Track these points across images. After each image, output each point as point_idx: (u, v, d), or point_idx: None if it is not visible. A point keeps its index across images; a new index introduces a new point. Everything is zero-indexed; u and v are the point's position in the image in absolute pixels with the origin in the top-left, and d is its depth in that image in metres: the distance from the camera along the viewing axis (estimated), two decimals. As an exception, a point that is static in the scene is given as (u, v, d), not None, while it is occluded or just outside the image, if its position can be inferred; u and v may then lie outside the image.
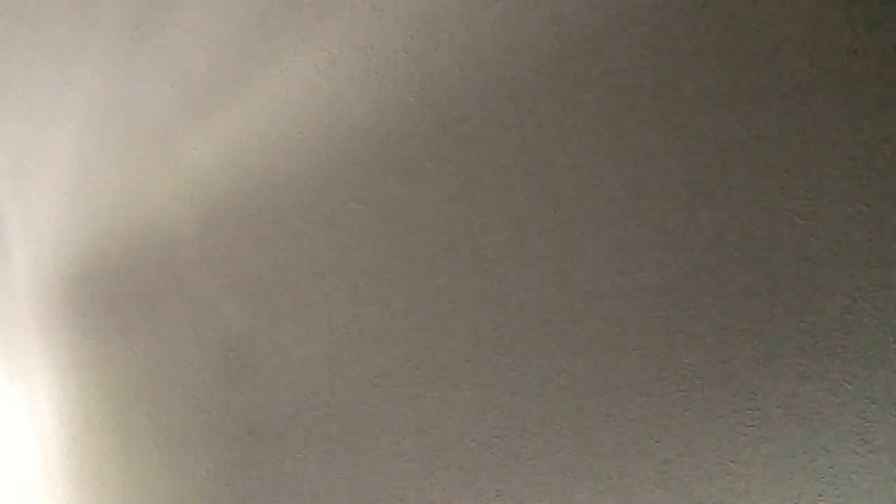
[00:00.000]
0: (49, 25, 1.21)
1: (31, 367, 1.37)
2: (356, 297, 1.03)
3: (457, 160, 0.94)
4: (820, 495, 0.81)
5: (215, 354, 1.14)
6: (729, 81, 0.80)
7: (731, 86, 0.80)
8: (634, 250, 0.86)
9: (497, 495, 0.98)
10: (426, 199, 0.96)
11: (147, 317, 1.21)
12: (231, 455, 1.17)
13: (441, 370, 0.99)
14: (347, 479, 1.10)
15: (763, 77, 0.79)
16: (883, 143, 0.75)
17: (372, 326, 1.03)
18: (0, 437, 1.37)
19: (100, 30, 1.17)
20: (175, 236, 1.16)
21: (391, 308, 1.01)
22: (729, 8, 0.79)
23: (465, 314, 0.96)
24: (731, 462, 0.84)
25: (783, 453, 0.82)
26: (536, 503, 0.96)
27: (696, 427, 0.85)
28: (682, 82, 0.82)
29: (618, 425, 0.89)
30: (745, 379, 0.83)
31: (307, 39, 1.01)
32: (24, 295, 1.34)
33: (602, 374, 0.89)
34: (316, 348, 1.08)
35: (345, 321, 1.05)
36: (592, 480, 0.92)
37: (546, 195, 0.89)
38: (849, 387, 0.79)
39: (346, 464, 1.10)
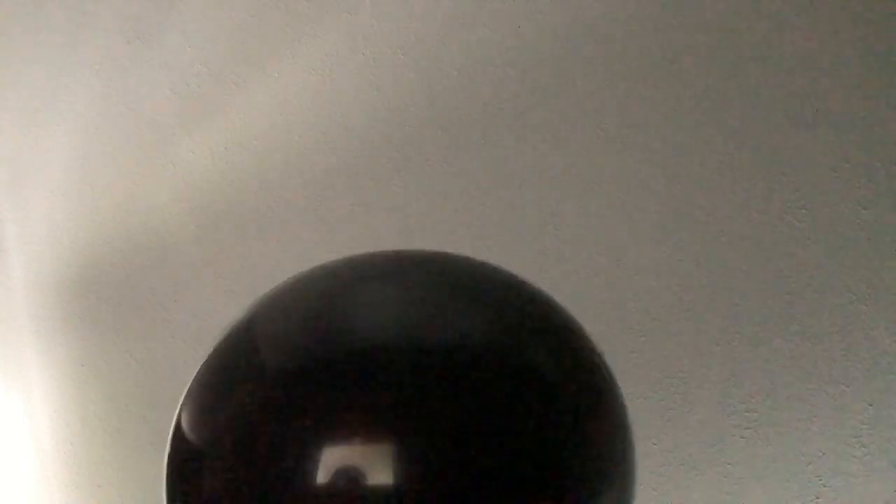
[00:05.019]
0: (46, 27, 1.21)
1: (28, 370, 1.36)
2: (354, 300, 1.03)
3: (455, 162, 0.93)
4: (817, 497, 0.81)
5: (213, 357, 1.13)
6: (726, 84, 0.80)
7: (728, 88, 0.80)
8: (631, 252, 0.86)
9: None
10: (425, 201, 0.96)
11: (144, 319, 1.20)
12: (228, 457, 1.17)
13: (439, 372, 0.99)
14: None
15: (760, 80, 0.79)
16: (879, 146, 0.75)
17: (369, 329, 1.03)
18: (-4, 439, 1.37)
19: (97, 32, 1.16)
20: (173, 239, 1.16)
21: (389, 310, 1.01)
22: (727, 10, 0.79)
23: (462, 316, 0.96)
24: (729, 464, 0.84)
25: (781, 456, 0.82)
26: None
27: (693, 430, 0.85)
28: (679, 84, 0.82)
29: (615, 428, 0.89)
30: (743, 381, 0.83)
31: (305, 42, 1.01)
32: (21, 297, 1.34)
33: (600, 376, 0.89)
34: (313, 351, 1.08)
35: (342, 323, 1.05)
36: (590, 483, 0.91)
37: (544, 196, 0.89)
38: (846, 389, 0.79)
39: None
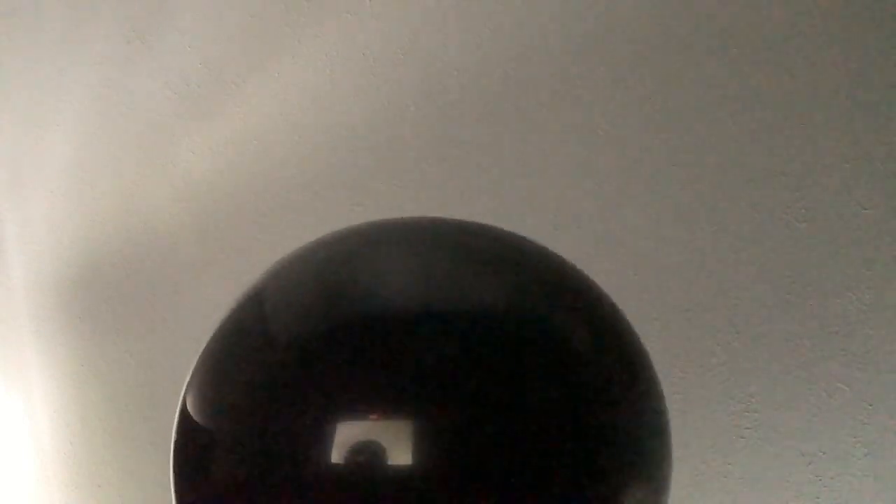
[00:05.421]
0: (46, 28, 1.21)
1: (28, 370, 1.36)
2: (354, 300, 1.03)
3: (455, 163, 0.93)
4: (817, 497, 0.81)
5: (213, 357, 1.13)
6: (726, 84, 0.80)
7: (728, 88, 0.80)
8: (631, 252, 0.86)
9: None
10: (424, 201, 0.96)
11: (144, 319, 1.20)
12: (228, 457, 1.16)
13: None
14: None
15: (760, 79, 0.79)
16: (880, 146, 0.75)
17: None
18: (-4, 439, 1.37)
19: (98, 32, 1.16)
20: (172, 239, 1.16)
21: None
22: (728, 9, 0.79)
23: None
24: (729, 464, 0.84)
25: (781, 456, 0.82)
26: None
27: (693, 430, 0.85)
28: (680, 84, 0.82)
29: (616, 428, 0.89)
30: (743, 382, 0.83)
31: (305, 42, 1.01)
32: (21, 297, 1.34)
33: (600, 376, 0.89)
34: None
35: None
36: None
37: (544, 196, 0.89)
38: (846, 389, 0.79)
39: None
